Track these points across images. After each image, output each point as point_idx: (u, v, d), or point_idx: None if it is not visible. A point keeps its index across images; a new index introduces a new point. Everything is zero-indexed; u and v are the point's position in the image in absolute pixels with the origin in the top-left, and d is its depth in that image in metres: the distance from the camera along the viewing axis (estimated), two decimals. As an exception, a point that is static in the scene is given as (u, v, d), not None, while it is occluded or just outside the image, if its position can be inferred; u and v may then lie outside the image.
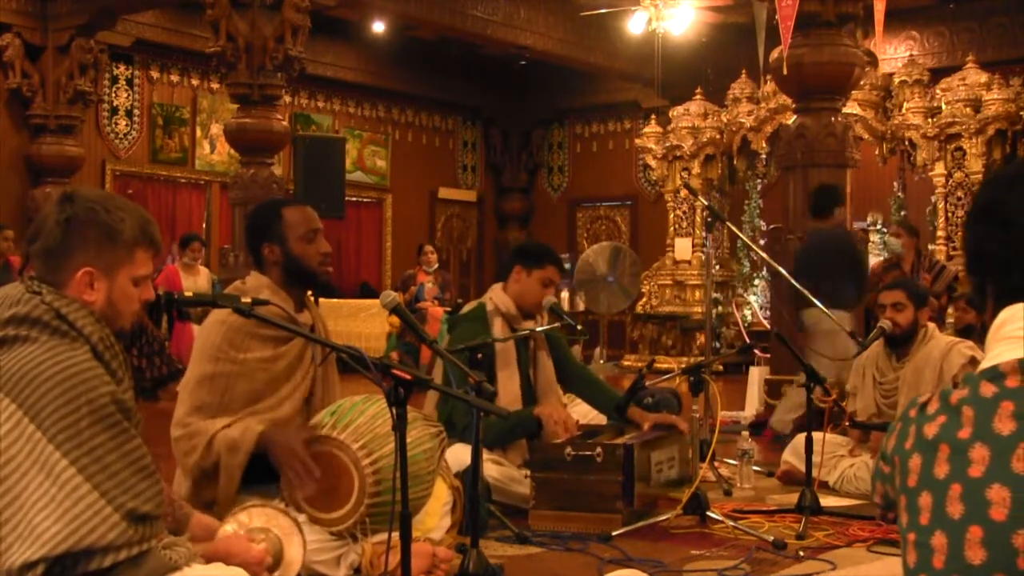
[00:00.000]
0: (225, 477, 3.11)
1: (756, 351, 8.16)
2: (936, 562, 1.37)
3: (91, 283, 2.10)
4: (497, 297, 4.54)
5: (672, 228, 13.12)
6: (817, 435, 4.65)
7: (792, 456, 5.14)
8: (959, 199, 11.09)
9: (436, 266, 11.57)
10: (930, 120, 11.16)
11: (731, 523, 4.03)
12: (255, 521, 2.83)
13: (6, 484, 1.92)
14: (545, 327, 4.49)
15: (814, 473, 4.43)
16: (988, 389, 1.39)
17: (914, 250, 9.16)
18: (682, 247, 12.96)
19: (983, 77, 11.10)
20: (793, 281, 5.57)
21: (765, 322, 11.24)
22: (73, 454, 1.91)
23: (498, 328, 4.45)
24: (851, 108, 10.35)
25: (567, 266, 13.49)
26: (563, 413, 4.32)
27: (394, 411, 2.36)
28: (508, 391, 4.38)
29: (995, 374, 1.40)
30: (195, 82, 13.44)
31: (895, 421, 1.52)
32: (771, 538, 3.80)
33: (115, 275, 2.12)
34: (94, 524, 1.89)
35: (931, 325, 4.97)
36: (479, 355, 3.59)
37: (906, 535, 1.44)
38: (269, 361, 3.27)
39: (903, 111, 11.40)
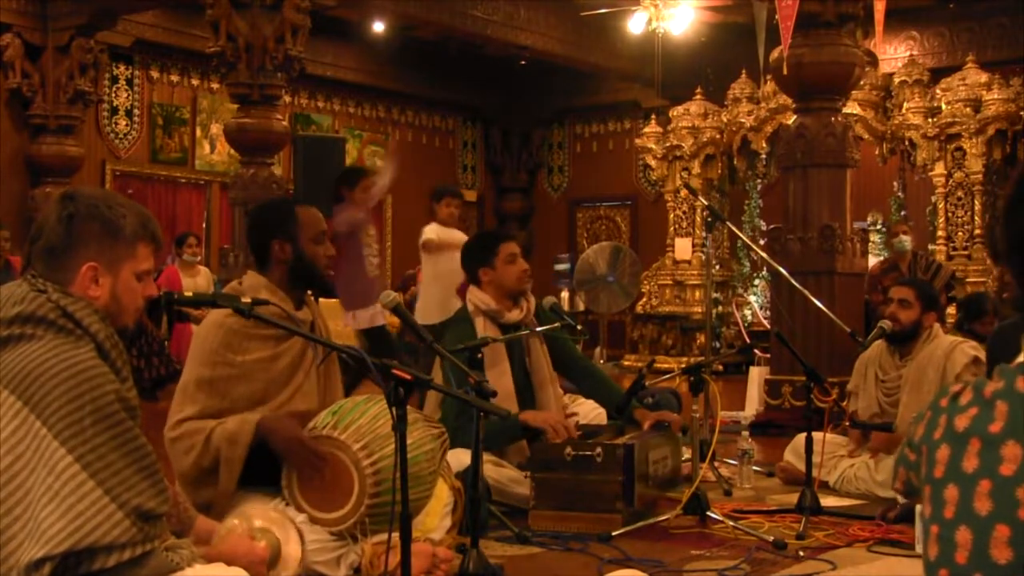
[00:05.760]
0: (225, 471, 3.10)
1: (756, 351, 8.17)
2: (959, 557, 1.34)
3: (95, 278, 2.10)
4: (475, 296, 4.49)
5: (672, 228, 13.11)
6: (817, 435, 4.65)
7: (792, 456, 5.15)
8: (959, 199, 11.09)
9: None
10: (930, 120, 11.15)
11: (731, 523, 4.02)
12: (255, 520, 2.83)
13: (16, 481, 1.91)
14: (545, 327, 4.48)
15: (814, 473, 4.44)
16: None
17: (911, 251, 9.17)
18: (682, 247, 12.96)
19: (983, 77, 11.10)
20: (793, 281, 5.57)
21: (765, 322, 11.23)
22: (78, 451, 1.90)
23: (481, 327, 4.42)
24: (851, 108, 10.35)
25: (567, 266, 13.50)
26: (559, 418, 4.29)
27: (394, 411, 2.37)
28: (499, 389, 4.32)
29: None
30: (195, 82, 13.43)
31: (925, 409, 1.48)
32: (771, 538, 3.80)
33: (118, 270, 2.13)
34: (98, 521, 1.88)
35: (936, 325, 4.98)
36: (479, 355, 3.59)
37: (928, 526, 1.40)
38: (269, 361, 3.25)
39: (903, 111, 11.39)
